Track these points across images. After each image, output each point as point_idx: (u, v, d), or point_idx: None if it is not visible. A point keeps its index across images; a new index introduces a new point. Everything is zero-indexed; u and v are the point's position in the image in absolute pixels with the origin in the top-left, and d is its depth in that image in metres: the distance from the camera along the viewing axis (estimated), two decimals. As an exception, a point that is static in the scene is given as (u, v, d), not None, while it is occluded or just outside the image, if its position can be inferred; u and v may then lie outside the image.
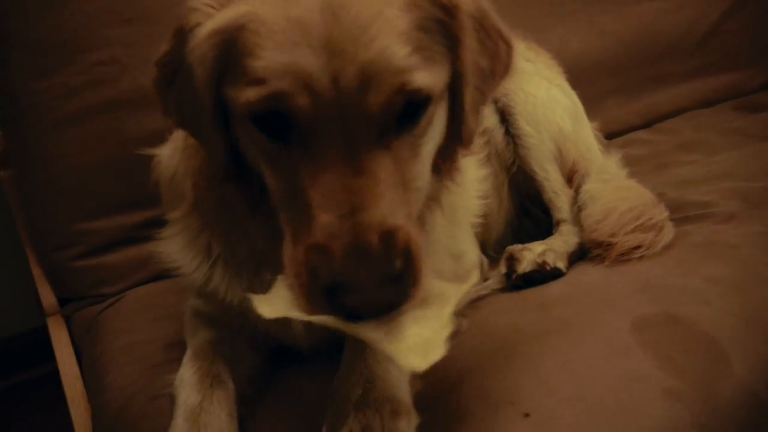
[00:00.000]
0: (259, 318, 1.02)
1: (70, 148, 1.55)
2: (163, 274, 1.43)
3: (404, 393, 0.90)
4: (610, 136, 2.14)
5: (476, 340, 1.03)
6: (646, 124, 2.26)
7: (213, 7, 0.85)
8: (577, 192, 1.45)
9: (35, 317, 1.72)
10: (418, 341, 0.75)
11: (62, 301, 1.61)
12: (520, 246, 1.32)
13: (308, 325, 1.02)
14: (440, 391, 0.95)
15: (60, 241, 1.56)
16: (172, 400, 0.99)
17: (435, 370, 0.97)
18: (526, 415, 0.87)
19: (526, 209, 1.54)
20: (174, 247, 1.08)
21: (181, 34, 0.86)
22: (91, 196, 1.56)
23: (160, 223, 1.15)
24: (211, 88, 0.84)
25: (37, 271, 1.64)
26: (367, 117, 0.79)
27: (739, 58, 2.51)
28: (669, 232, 1.35)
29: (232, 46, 0.82)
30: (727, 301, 1.09)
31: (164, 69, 0.90)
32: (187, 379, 0.98)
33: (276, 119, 0.79)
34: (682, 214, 1.49)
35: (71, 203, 1.55)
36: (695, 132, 2.12)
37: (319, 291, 0.75)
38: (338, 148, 0.78)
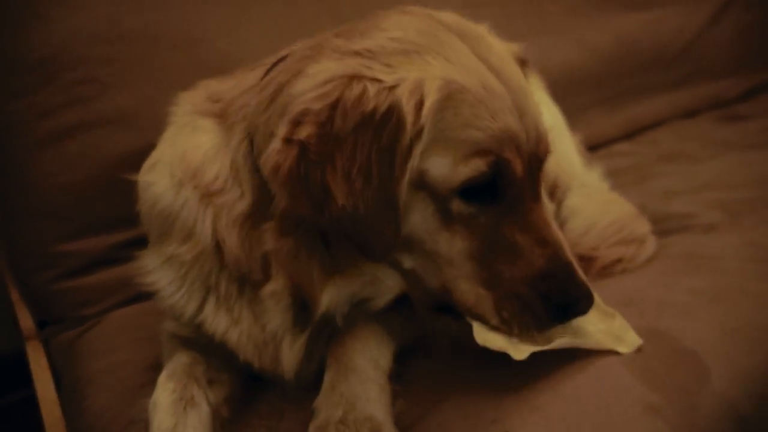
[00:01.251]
0: (240, 353, 1.03)
1: (49, 169, 1.52)
2: (145, 295, 1.42)
3: (384, 413, 0.90)
4: (593, 148, 2.14)
5: (457, 358, 1.02)
6: (629, 136, 2.27)
7: (381, 78, 0.84)
8: (559, 206, 1.45)
9: (13, 340, 1.69)
10: (604, 335, 0.95)
11: (41, 324, 1.58)
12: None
13: (299, 360, 1.02)
14: (423, 410, 0.94)
15: (38, 263, 1.53)
16: (146, 425, 0.97)
17: (417, 388, 0.99)
18: (507, 433, 0.86)
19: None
20: (167, 279, 1.05)
21: (347, 107, 0.83)
22: (70, 217, 1.53)
23: (140, 243, 1.13)
24: (415, 158, 0.85)
25: (15, 294, 1.61)
26: (541, 167, 0.94)
27: (720, 69, 2.53)
28: (651, 244, 1.35)
29: (443, 116, 0.85)
30: (708, 313, 1.09)
31: (316, 146, 0.83)
32: (160, 403, 0.97)
33: (486, 185, 0.87)
34: (664, 225, 1.50)
35: (49, 224, 1.52)
36: (677, 143, 2.14)
37: (553, 309, 0.88)
38: (531, 197, 0.92)
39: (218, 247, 0.98)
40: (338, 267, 0.94)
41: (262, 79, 0.98)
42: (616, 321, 0.99)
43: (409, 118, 0.83)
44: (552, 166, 1.49)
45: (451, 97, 0.86)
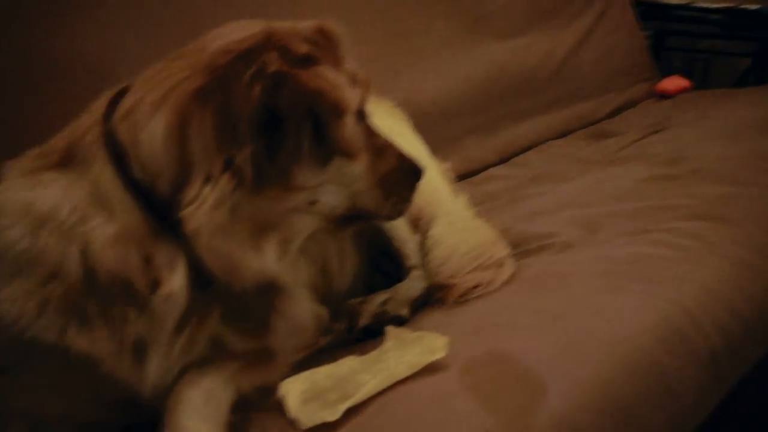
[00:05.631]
0: (102, 365, 1.01)
1: None
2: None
3: None
4: (470, 174, 2.23)
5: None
6: (504, 160, 2.36)
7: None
8: (424, 237, 1.50)
9: None
10: (418, 356, 1.07)
11: None
12: (360, 299, 1.35)
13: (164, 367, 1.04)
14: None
15: None
16: None
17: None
18: (346, 470, 0.89)
19: (378, 264, 1.56)
20: (23, 310, 0.99)
21: None
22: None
23: None
24: None
25: None
26: None
27: (588, 90, 2.68)
28: (509, 268, 1.41)
29: None
30: (548, 331, 1.15)
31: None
32: None
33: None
34: (525, 247, 1.56)
35: None
36: (548, 163, 2.24)
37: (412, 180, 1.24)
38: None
39: (89, 273, 0.98)
40: (262, 219, 0.99)
41: (105, 112, 1.02)
42: (425, 338, 1.11)
43: None
44: (414, 197, 1.55)
45: None
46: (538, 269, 1.42)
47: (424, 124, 1.94)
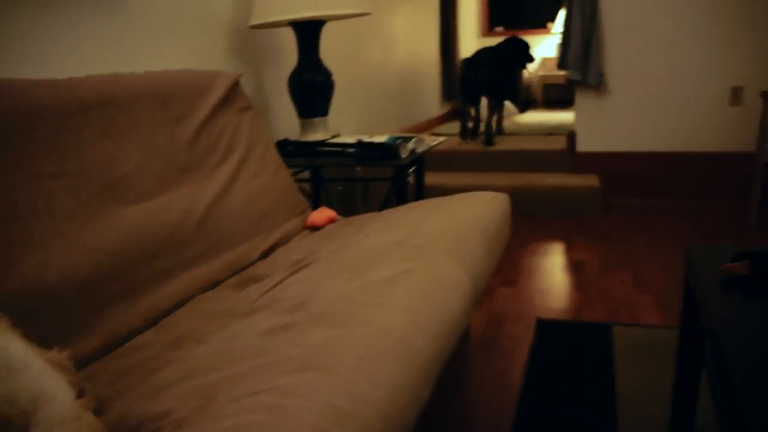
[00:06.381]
0: None
1: None
2: None
3: None
4: (118, 344, 2.17)
5: None
6: (154, 323, 2.33)
7: None
8: (13, 455, 1.41)
9: None
10: None
11: None
12: None
13: None
14: None
15: None
16: None
17: None
18: None
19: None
20: None
21: None
22: None
23: None
24: None
25: None
26: None
27: (237, 236, 2.79)
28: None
29: None
30: None
31: None
32: None
33: None
34: (138, 434, 1.54)
35: None
36: (192, 322, 2.25)
37: None
38: None
39: None
40: None
41: None
42: None
43: None
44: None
45: None
46: (138, 464, 1.40)
47: (54, 308, 1.86)
